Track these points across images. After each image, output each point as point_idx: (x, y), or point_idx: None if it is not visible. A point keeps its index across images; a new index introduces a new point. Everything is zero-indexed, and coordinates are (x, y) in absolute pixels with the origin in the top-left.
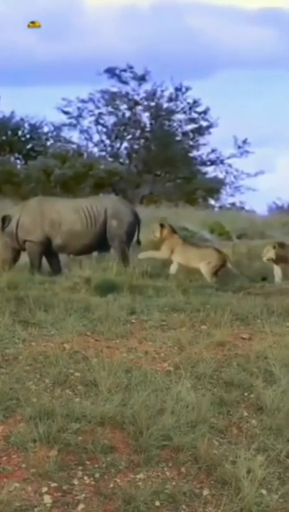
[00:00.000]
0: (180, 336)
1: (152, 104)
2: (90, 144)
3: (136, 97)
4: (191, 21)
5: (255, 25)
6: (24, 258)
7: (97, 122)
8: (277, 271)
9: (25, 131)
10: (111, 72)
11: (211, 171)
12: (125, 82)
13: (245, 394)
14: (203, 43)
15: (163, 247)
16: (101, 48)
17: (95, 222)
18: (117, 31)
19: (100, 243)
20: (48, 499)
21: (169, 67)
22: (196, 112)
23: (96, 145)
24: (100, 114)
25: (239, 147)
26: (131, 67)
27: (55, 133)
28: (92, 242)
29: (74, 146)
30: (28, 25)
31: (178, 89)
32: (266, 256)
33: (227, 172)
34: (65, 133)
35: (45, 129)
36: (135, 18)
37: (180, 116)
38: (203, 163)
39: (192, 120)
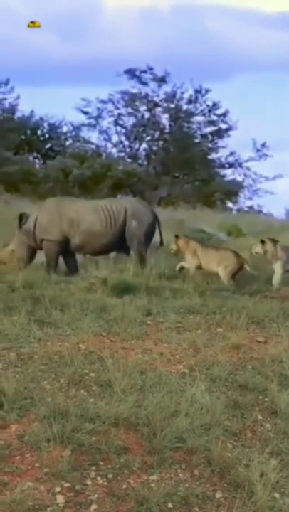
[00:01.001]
0: (196, 338)
1: (172, 105)
2: (109, 145)
3: (155, 99)
4: (210, 23)
5: (274, 28)
6: (40, 257)
7: (116, 123)
8: (277, 268)
9: (45, 130)
10: (131, 73)
11: (229, 174)
12: (145, 84)
13: (260, 397)
14: (222, 46)
15: (187, 257)
16: (120, 48)
17: (114, 223)
18: (136, 32)
19: (119, 244)
20: (60, 499)
21: (188, 69)
22: (215, 114)
23: (115, 146)
24: (120, 114)
25: (258, 150)
26: (151, 69)
27: (74, 133)
28: (110, 242)
29: (93, 146)
30: (28, 26)
31: (197, 92)
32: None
33: (245, 175)
34: (84, 133)
35: (64, 129)
36: (155, 20)
37: (199, 118)
38: (222, 166)
39: (211, 122)
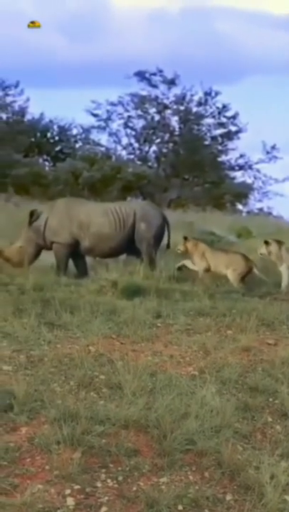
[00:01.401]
0: (206, 340)
1: (181, 108)
2: (119, 147)
3: (165, 101)
4: (219, 25)
5: (284, 30)
6: (50, 259)
7: (126, 125)
8: (284, 271)
9: (54, 133)
10: (140, 75)
11: (239, 176)
12: (155, 86)
13: (270, 399)
14: (232, 48)
15: (196, 259)
16: (129, 50)
17: (123, 225)
18: (145, 34)
19: (128, 246)
20: (71, 501)
21: (198, 71)
22: (225, 116)
23: (124, 148)
24: (129, 117)
25: (268, 152)
26: (160, 71)
27: (83, 135)
28: (120, 244)
29: (102, 148)
30: (28, 26)
31: (207, 94)
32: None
33: (255, 177)
34: (94, 135)
35: (74, 132)
36: (164, 22)
37: (209, 120)
38: (232, 168)
39: (221, 125)
